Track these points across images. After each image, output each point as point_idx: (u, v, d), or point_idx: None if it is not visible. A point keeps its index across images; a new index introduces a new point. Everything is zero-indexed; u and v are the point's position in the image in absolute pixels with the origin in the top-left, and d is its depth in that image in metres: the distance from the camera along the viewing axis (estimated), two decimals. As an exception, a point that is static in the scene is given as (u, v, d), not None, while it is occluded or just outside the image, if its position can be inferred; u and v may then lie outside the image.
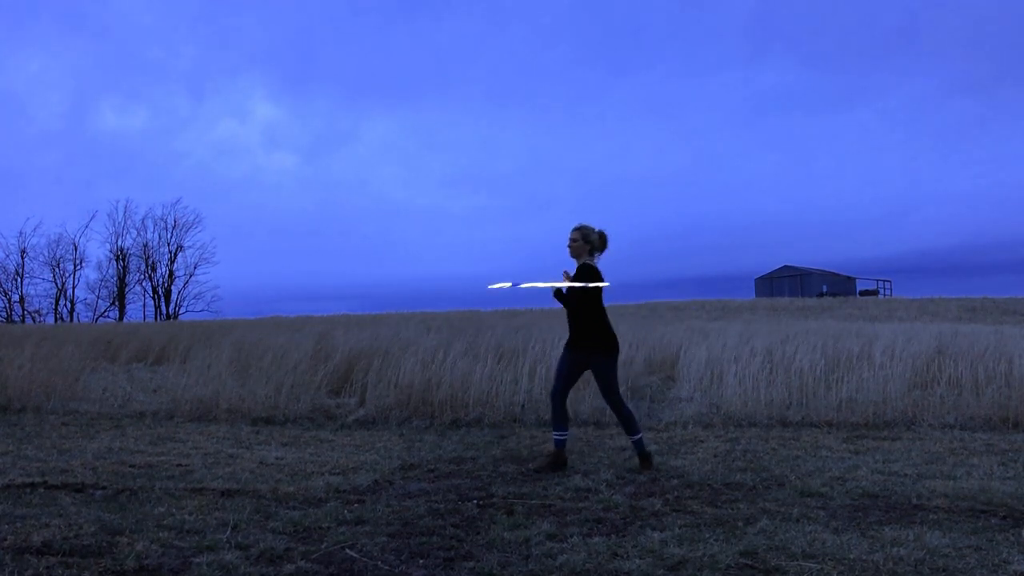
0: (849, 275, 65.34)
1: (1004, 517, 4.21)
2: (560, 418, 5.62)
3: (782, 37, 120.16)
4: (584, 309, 5.52)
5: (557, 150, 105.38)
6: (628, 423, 5.56)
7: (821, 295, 55.12)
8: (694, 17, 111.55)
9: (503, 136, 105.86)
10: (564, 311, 5.73)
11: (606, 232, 5.67)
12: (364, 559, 3.54)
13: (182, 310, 54.24)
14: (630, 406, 5.96)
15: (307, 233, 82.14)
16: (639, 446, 5.58)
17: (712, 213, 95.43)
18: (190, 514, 4.26)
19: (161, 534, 3.87)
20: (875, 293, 60.76)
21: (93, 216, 58.50)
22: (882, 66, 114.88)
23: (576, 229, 5.68)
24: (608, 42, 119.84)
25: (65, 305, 51.23)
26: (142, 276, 53.77)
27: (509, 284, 5.55)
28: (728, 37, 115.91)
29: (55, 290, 51.06)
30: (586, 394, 8.35)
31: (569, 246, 5.69)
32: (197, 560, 3.46)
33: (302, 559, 3.52)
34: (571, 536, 3.86)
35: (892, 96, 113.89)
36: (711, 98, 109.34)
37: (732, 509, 4.42)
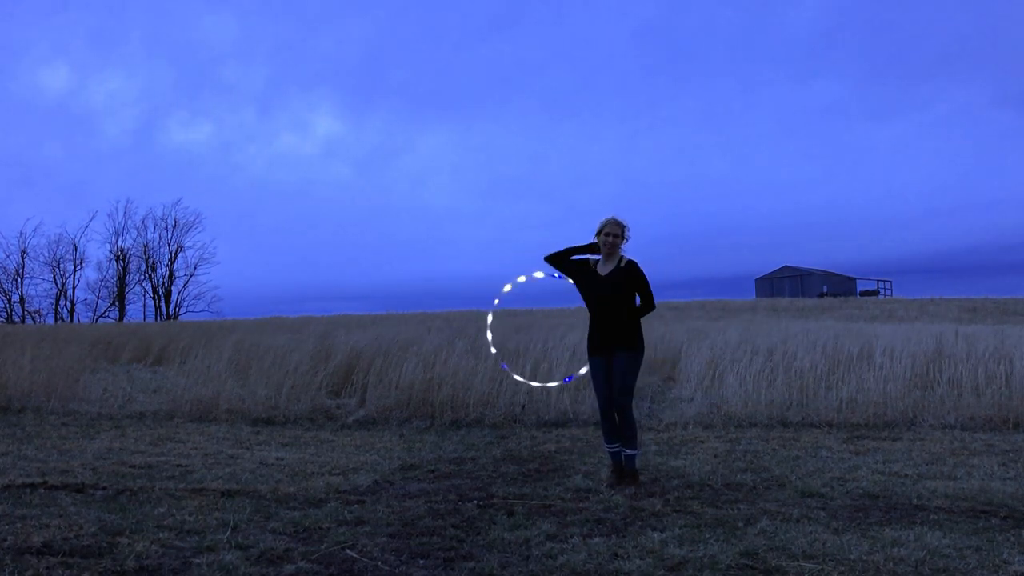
0: (849, 275, 65.32)
1: (1004, 517, 4.21)
2: (614, 431, 5.25)
3: (836, 52, 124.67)
4: (629, 308, 5.21)
5: (603, 159, 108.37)
6: (632, 434, 5.18)
7: (821, 295, 55.09)
8: (754, 35, 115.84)
9: (554, 147, 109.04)
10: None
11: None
12: (364, 559, 3.54)
13: (182, 310, 54.18)
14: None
15: (332, 237, 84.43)
16: (632, 462, 5.21)
17: (717, 215, 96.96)
18: (190, 514, 4.26)
19: (161, 534, 3.87)
20: (875, 293, 60.71)
21: (93, 216, 58.39)
22: (928, 79, 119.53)
23: (618, 224, 5.23)
24: (671, 58, 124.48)
25: (65, 305, 51.16)
26: (142, 276, 53.67)
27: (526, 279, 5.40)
28: (785, 53, 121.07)
29: (55, 290, 50.94)
30: (586, 394, 8.35)
31: (613, 243, 5.22)
32: (197, 560, 3.46)
33: (302, 559, 3.52)
34: (571, 536, 3.86)
35: (933, 108, 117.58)
36: (762, 110, 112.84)
37: (732, 509, 4.42)
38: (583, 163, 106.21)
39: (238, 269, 72.92)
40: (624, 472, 5.20)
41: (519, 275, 5.83)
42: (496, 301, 6.07)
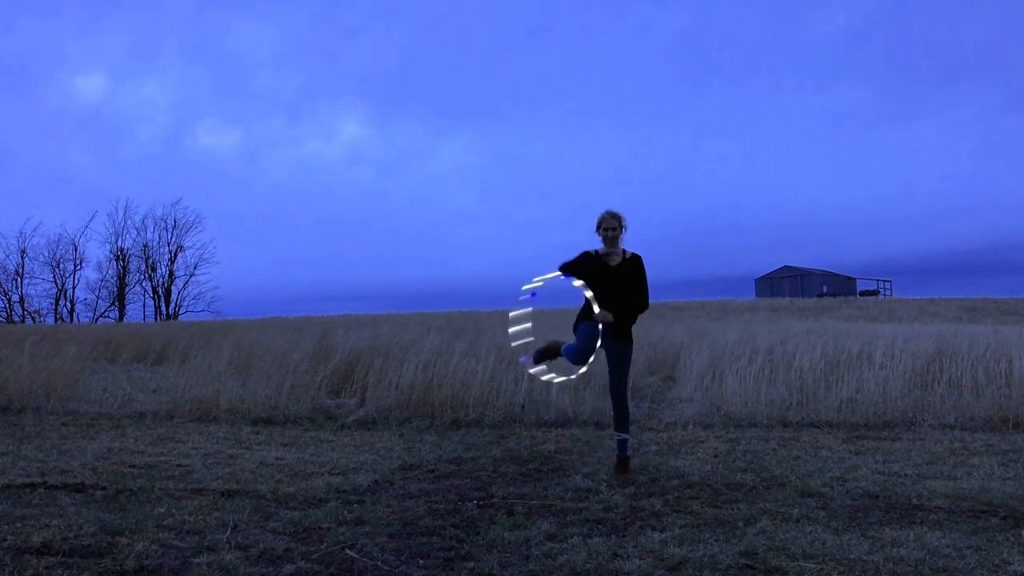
0: (849, 275, 65.35)
1: (1004, 517, 4.21)
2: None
3: (857, 59, 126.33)
4: (633, 299, 5.48)
5: (623, 163, 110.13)
6: (626, 418, 5.52)
7: (821, 295, 55.12)
8: (778, 42, 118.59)
9: (573, 151, 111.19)
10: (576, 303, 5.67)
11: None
12: (364, 559, 3.54)
13: (182, 310, 54.19)
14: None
15: (344, 239, 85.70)
16: (624, 446, 5.55)
17: (718, 215, 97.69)
18: (190, 514, 4.26)
19: (161, 534, 3.87)
20: (875, 293, 60.73)
21: (93, 216, 58.33)
22: (945, 84, 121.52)
23: (614, 216, 5.47)
24: (696, 66, 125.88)
25: (65, 305, 51.13)
26: (142, 276, 53.68)
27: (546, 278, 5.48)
28: (808, 60, 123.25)
29: (55, 290, 50.94)
30: (586, 395, 8.35)
31: (613, 235, 5.46)
32: (197, 560, 3.46)
33: (302, 559, 3.52)
34: (571, 536, 3.86)
35: (949, 112, 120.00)
36: (784, 115, 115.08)
37: (732, 509, 4.42)
38: (602, 166, 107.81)
39: (239, 269, 73.57)
40: (619, 459, 5.53)
41: (531, 275, 5.91)
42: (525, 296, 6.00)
